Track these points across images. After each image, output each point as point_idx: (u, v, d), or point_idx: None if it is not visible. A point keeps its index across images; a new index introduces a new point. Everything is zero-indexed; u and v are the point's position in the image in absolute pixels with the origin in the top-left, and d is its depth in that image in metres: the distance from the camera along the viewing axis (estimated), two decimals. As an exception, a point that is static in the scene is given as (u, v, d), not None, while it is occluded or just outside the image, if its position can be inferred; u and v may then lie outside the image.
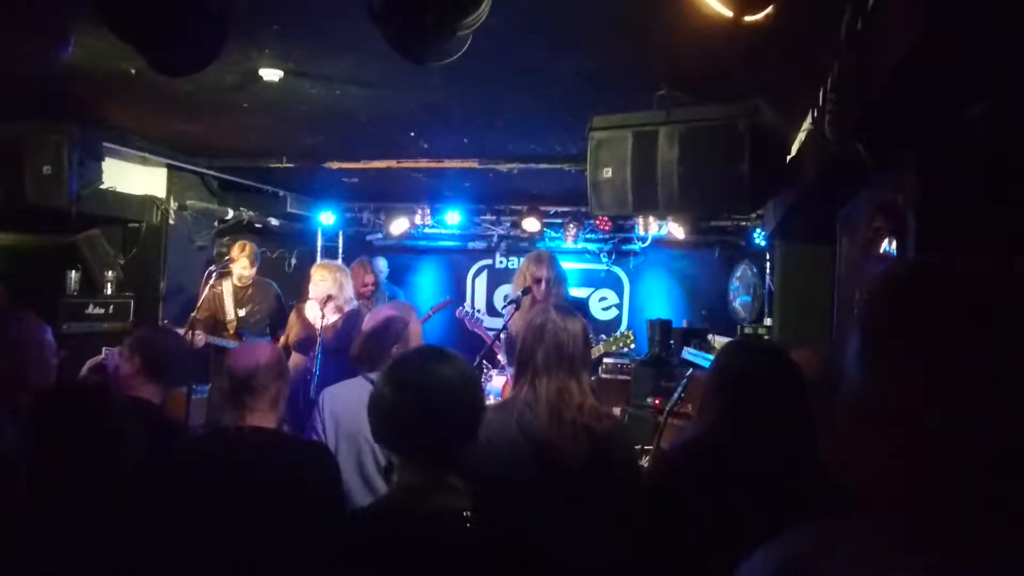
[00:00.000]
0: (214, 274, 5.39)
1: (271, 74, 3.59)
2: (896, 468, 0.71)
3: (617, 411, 4.82)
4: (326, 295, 4.76)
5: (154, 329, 3.87)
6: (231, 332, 5.52)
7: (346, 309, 4.91)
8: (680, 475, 2.01)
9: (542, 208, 7.11)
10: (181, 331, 5.19)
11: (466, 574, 1.45)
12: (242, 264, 5.54)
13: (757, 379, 1.98)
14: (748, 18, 2.18)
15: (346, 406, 2.79)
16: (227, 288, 5.60)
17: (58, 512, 1.47)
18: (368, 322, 3.08)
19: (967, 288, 0.72)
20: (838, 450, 0.82)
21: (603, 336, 4.89)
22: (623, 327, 7.59)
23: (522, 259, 7.76)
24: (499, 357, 5.00)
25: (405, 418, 1.55)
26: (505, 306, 5.25)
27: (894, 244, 2.59)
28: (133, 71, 3.57)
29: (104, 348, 3.85)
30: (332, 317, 4.83)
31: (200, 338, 5.19)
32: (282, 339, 5.04)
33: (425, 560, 1.43)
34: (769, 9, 2.18)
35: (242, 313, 5.61)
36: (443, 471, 1.55)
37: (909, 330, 0.73)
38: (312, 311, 4.86)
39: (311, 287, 4.83)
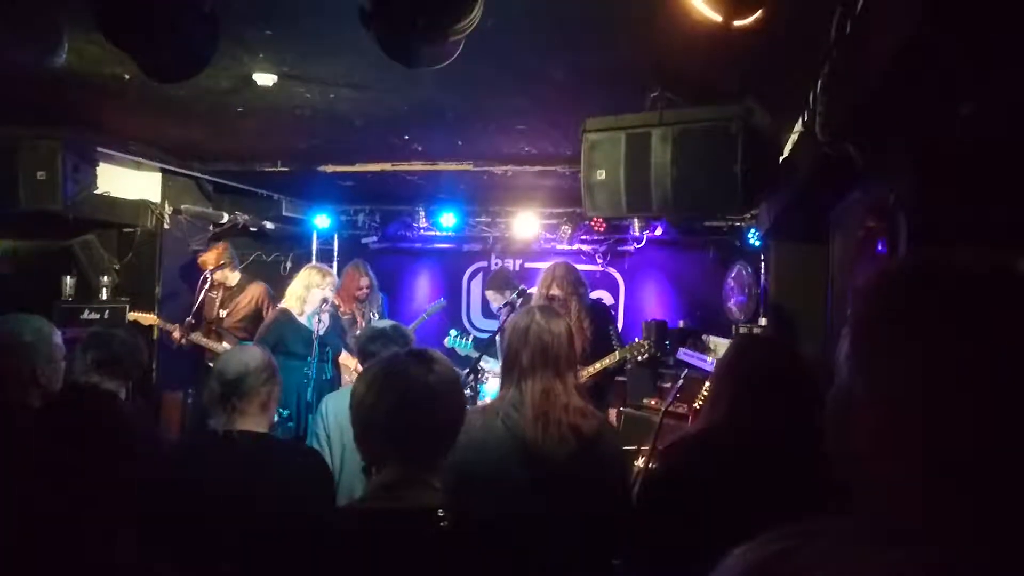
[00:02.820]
0: (208, 279, 5.42)
1: (265, 78, 3.59)
2: (888, 466, 0.71)
3: (613, 412, 4.84)
4: (322, 300, 4.77)
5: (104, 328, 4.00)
6: (212, 333, 5.55)
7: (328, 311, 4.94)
8: (690, 469, 1.95)
9: (537, 210, 7.12)
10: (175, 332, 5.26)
11: (438, 571, 1.45)
12: (210, 264, 5.56)
13: (774, 372, 1.93)
14: (737, 23, 2.19)
15: None
16: (217, 290, 5.69)
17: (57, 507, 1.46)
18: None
19: (960, 284, 0.71)
20: (830, 448, 0.81)
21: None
22: (618, 327, 7.60)
23: (517, 261, 7.82)
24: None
25: (387, 423, 1.53)
26: (500, 309, 5.27)
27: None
28: (127, 76, 3.57)
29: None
30: (328, 321, 4.83)
31: (178, 335, 5.25)
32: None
33: (398, 557, 1.43)
34: (758, 14, 2.19)
35: (223, 314, 5.62)
36: (422, 470, 1.54)
37: (900, 327, 0.73)
38: (301, 311, 4.87)
39: (312, 292, 4.82)
